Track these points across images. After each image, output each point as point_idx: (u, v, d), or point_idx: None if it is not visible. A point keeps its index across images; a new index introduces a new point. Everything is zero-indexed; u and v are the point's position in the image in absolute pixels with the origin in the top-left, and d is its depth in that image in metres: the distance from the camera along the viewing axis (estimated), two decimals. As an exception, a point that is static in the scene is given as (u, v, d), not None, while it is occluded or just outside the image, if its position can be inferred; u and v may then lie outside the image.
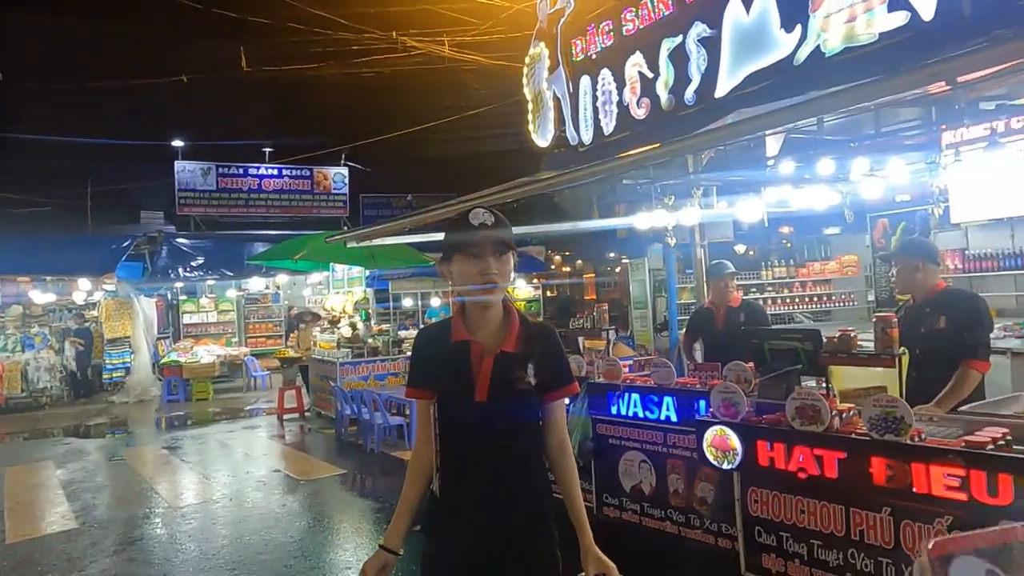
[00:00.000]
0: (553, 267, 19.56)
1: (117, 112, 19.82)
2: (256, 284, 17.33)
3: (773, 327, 5.20)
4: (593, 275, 20.58)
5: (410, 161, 20.01)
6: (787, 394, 3.18)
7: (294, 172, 19.63)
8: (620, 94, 6.70)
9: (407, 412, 8.41)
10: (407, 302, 16.27)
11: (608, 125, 7.00)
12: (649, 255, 10.19)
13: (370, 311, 11.38)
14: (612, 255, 19.67)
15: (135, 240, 15.08)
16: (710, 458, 3.25)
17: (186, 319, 17.75)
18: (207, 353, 13.93)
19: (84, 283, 13.84)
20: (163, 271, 14.82)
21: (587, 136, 7.28)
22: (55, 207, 19.83)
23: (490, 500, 1.87)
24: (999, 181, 7.01)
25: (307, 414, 10.74)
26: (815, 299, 10.71)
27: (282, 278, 17.15)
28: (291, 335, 16.50)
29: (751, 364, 3.63)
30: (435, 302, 16.36)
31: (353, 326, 10.00)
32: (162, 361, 13.78)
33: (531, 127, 8.13)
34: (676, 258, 9.32)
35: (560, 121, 7.62)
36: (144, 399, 13.39)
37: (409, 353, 10.33)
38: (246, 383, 14.51)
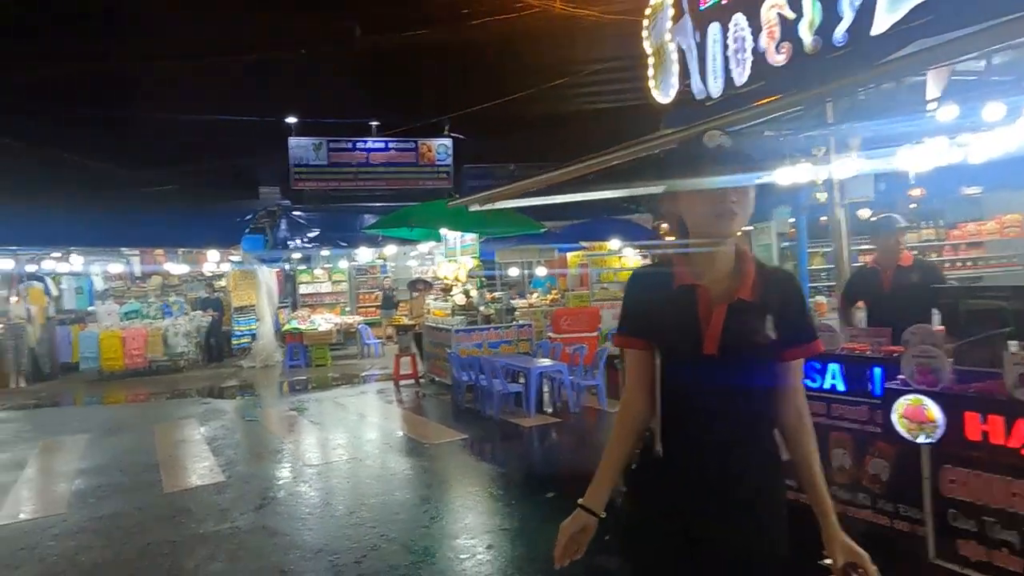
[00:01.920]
0: (661, 236, 18.95)
1: (235, 90, 20.76)
2: (365, 255, 17.88)
3: (971, 286, 4.66)
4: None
5: (514, 128, 19.75)
6: (993, 360, 2.77)
7: (399, 145, 19.95)
8: (756, 40, 6.21)
9: (520, 380, 8.38)
10: (512, 271, 16.27)
11: (741, 75, 6.53)
12: (775, 218, 9.56)
13: (483, 279, 11.40)
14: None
15: (256, 214, 15.89)
16: (901, 431, 2.90)
17: (303, 289, 18.63)
18: (324, 321, 14.53)
19: (213, 254, 14.73)
20: (282, 242, 15.54)
21: (716, 88, 6.83)
22: (182, 184, 21.18)
23: (716, 465, 1.66)
24: None
25: (421, 380, 10.96)
26: (968, 263, 9.69)
27: (390, 249, 17.56)
28: (403, 303, 16.93)
29: (941, 328, 3.21)
30: (540, 272, 16.26)
31: (467, 294, 10.03)
32: (283, 328, 14.50)
33: (651, 83, 7.73)
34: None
35: (684, 74, 7.20)
36: (268, 364, 14.16)
37: (521, 322, 10.29)
38: (360, 350, 15.05)
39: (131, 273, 17.55)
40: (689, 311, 1.67)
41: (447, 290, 10.68)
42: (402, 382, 10.86)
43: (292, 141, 19.22)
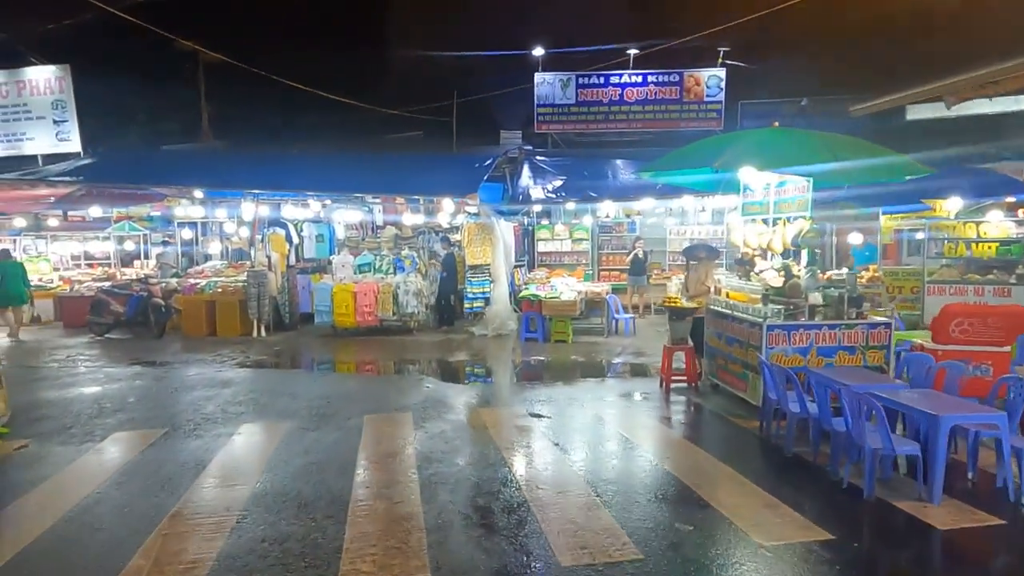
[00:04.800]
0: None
1: (479, 22, 18.98)
2: (609, 209, 15.03)
3: None
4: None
5: (807, 48, 15.20)
6: None
7: (661, 78, 16.60)
8: None
9: (890, 421, 4.91)
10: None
11: None
12: None
13: (815, 251, 7.90)
14: None
15: (496, 159, 13.85)
16: None
17: (540, 247, 16.46)
18: (567, 288, 12.08)
19: (448, 204, 13.03)
20: (523, 192, 13.32)
21: None
22: (426, 128, 20.21)
23: None
24: None
25: (699, 384, 7.95)
26: None
27: (644, 203, 14.56)
28: (654, 266, 13.90)
29: None
30: (855, 239, 12.06)
31: (786, 270, 6.67)
32: (521, 295, 12.34)
33: None
34: None
35: None
36: (501, 333, 12.16)
37: (875, 320, 6.67)
38: (607, 326, 12.39)
39: (371, 222, 16.81)
40: None
41: (748, 263, 7.40)
42: (673, 383, 7.95)
43: (538, 77, 16.89)
